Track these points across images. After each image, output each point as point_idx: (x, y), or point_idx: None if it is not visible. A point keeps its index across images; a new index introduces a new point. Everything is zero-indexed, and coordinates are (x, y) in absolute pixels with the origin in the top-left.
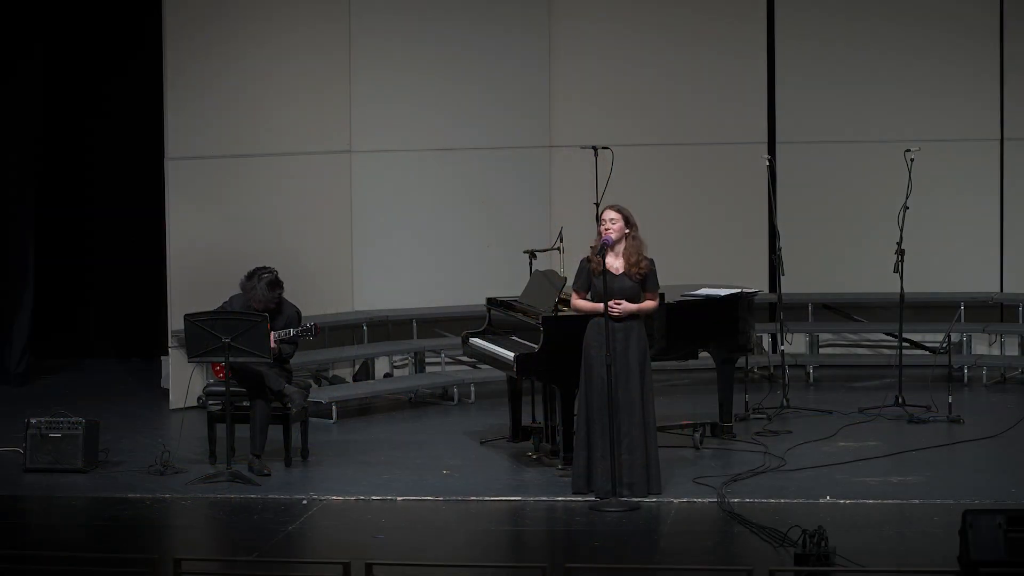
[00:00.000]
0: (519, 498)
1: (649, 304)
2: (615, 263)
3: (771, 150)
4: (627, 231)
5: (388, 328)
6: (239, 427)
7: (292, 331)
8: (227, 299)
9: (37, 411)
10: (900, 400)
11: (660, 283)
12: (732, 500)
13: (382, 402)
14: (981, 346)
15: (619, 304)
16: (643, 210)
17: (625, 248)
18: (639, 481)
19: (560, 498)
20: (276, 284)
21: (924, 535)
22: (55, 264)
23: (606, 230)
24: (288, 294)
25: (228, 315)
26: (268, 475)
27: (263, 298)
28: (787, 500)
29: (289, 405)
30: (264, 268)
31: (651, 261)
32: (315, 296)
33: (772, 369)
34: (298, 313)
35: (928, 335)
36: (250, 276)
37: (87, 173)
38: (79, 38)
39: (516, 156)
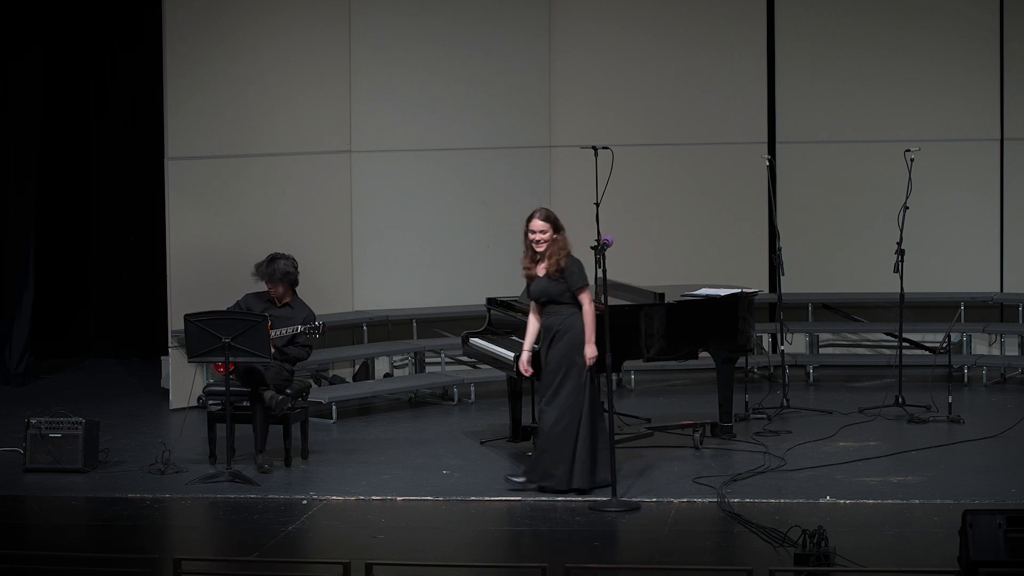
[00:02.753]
0: (519, 498)
1: (588, 314)
2: (542, 268)
3: (771, 150)
4: (554, 236)
5: (388, 328)
6: (239, 427)
7: (299, 327)
8: (241, 298)
9: (37, 411)
10: (900, 400)
11: (660, 284)
12: (732, 500)
13: (382, 402)
14: (981, 346)
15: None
16: (644, 210)
17: (549, 252)
18: (560, 473)
19: (560, 498)
20: (296, 267)
21: (924, 535)
22: (55, 264)
23: (535, 242)
24: None
25: (228, 315)
26: (270, 471)
27: (284, 277)
28: (787, 500)
29: (269, 402)
30: (282, 253)
31: (572, 259)
32: (315, 296)
33: (772, 369)
34: (312, 315)
35: (928, 335)
36: (270, 260)
37: (87, 173)
38: (79, 37)
39: (516, 156)
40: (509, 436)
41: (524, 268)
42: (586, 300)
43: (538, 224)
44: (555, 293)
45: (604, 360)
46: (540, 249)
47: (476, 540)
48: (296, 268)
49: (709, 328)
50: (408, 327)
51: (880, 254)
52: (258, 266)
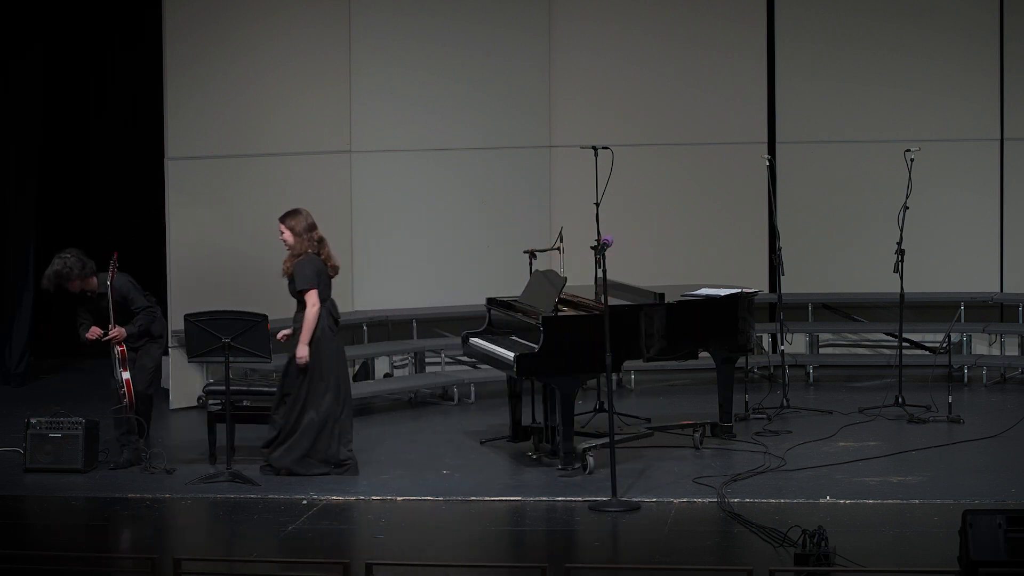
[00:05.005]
0: (519, 498)
1: (307, 317)
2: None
3: (771, 150)
4: (294, 238)
5: (388, 328)
6: (239, 427)
7: (138, 325)
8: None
9: (37, 411)
10: (900, 400)
11: (660, 284)
12: (732, 500)
13: (382, 402)
14: (981, 346)
15: None
16: (644, 210)
17: (289, 254)
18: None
19: (560, 498)
20: (64, 264)
21: (924, 535)
22: None
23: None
24: (289, 293)
25: (228, 315)
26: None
27: (55, 279)
28: (787, 500)
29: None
30: (61, 256)
31: (303, 261)
32: None
33: (772, 369)
34: (123, 286)
35: (928, 335)
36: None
37: (87, 173)
38: (79, 37)
39: (516, 156)
40: (509, 436)
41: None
42: (308, 303)
43: (279, 226)
44: (292, 292)
45: (604, 360)
46: (287, 249)
47: (476, 540)
48: (64, 264)
49: (709, 328)
50: (408, 327)
51: (880, 254)
52: (64, 272)
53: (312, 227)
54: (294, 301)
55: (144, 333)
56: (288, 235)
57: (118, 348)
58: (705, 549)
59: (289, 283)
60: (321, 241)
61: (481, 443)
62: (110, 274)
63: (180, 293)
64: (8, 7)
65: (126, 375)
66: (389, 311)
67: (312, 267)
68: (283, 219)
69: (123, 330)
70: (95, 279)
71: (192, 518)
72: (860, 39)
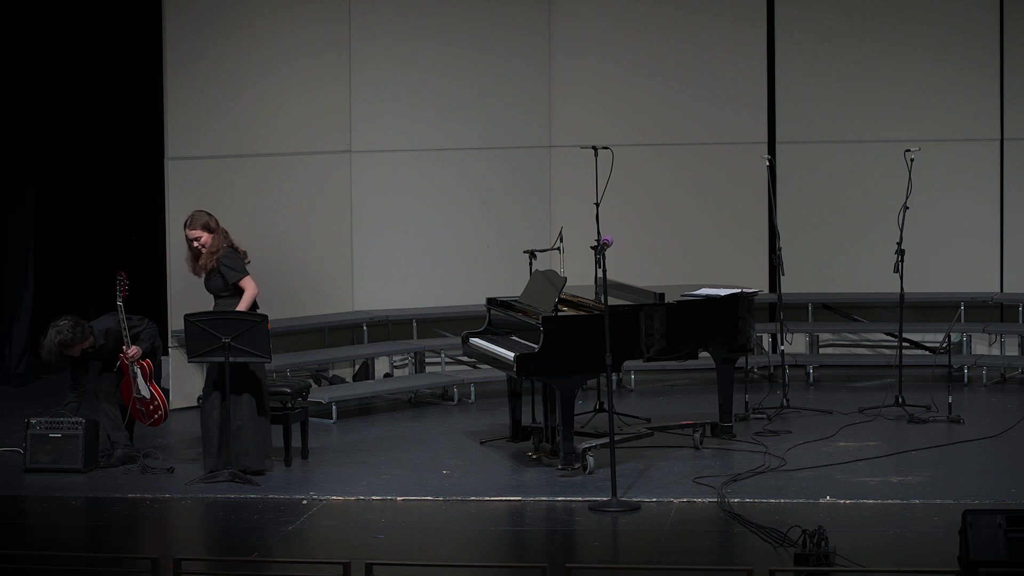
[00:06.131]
0: (519, 498)
1: (245, 297)
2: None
3: (771, 150)
4: (209, 237)
5: (388, 328)
6: None
7: (147, 340)
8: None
9: (37, 411)
10: (900, 400)
11: (660, 284)
12: (732, 500)
13: (382, 402)
14: (981, 346)
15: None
16: (644, 210)
17: (205, 252)
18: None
19: (560, 498)
20: (58, 335)
21: (924, 535)
22: (55, 264)
23: (201, 246)
24: (289, 294)
25: (228, 315)
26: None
27: (60, 349)
28: (787, 500)
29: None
30: (57, 326)
31: (226, 255)
32: (315, 296)
33: (772, 369)
34: (108, 329)
35: (928, 335)
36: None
37: (87, 173)
38: (79, 38)
39: (516, 156)
40: (509, 436)
41: (189, 265)
42: (248, 288)
43: (191, 233)
44: (216, 288)
45: (604, 360)
46: (204, 251)
47: (476, 540)
48: (61, 335)
49: (709, 328)
50: (408, 327)
51: (880, 254)
52: (72, 338)
53: (218, 222)
54: (294, 300)
55: (152, 349)
56: (205, 236)
57: (138, 364)
58: (705, 549)
59: (207, 280)
60: (226, 233)
61: (481, 443)
62: (120, 293)
63: (180, 293)
64: (8, 7)
65: (154, 388)
66: (389, 311)
67: (237, 259)
68: (192, 225)
69: (139, 348)
70: (92, 337)
71: (192, 518)
72: (860, 39)
